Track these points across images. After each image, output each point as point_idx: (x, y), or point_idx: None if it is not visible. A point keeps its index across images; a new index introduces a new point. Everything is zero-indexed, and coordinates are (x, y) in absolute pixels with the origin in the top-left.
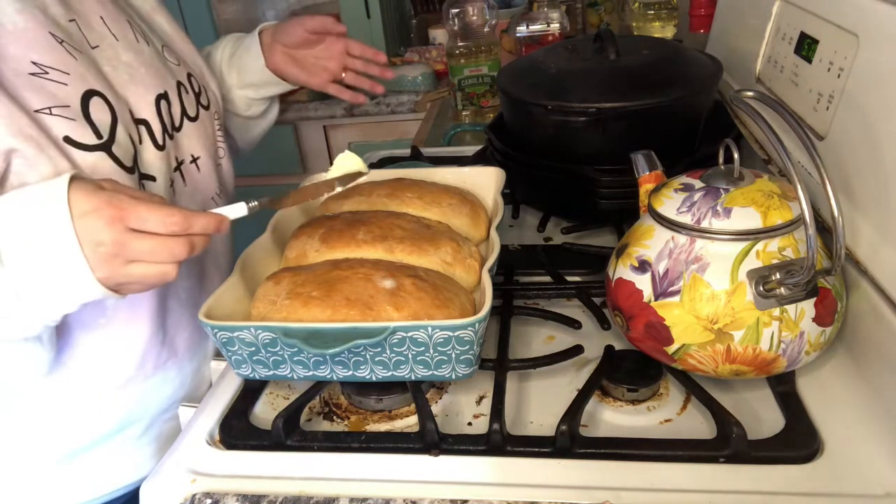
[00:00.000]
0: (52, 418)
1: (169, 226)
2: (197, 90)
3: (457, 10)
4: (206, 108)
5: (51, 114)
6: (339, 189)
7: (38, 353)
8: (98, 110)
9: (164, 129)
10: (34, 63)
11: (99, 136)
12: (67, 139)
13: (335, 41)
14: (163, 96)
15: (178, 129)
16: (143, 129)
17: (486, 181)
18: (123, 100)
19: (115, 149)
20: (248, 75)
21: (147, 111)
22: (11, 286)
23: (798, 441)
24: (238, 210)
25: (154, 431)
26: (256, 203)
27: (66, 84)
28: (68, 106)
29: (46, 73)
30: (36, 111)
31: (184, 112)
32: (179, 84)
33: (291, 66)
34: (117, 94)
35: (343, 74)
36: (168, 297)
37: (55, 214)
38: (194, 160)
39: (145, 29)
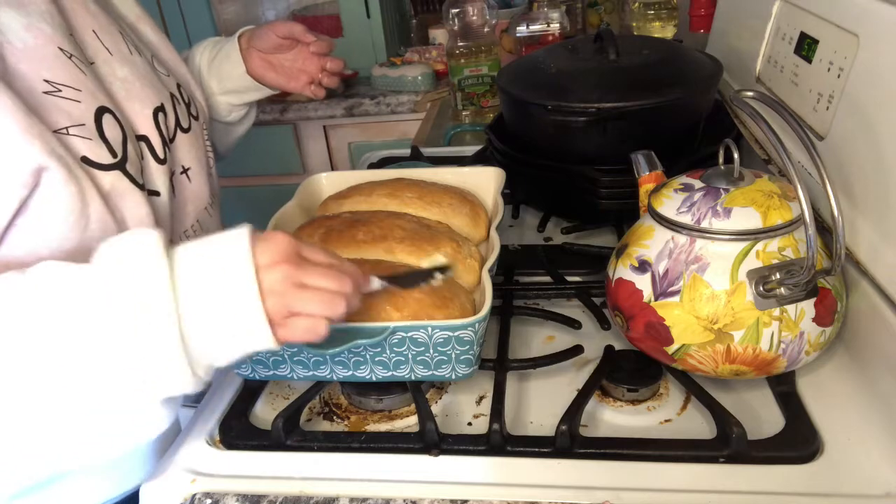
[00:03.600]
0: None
1: (331, 260)
2: (187, 101)
3: (457, 10)
4: (196, 118)
5: (68, 133)
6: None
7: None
8: (110, 127)
9: (164, 143)
10: (46, 81)
11: (114, 154)
12: (85, 159)
13: (305, 44)
14: (160, 109)
15: (172, 141)
16: (143, 144)
17: (486, 181)
18: (125, 116)
19: (128, 166)
20: (229, 82)
21: (146, 126)
22: (178, 329)
23: (798, 441)
24: (373, 283)
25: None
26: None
27: (79, 101)
28: (84, 125)
29: (59, 90)
30: (55, 131)
31: (178, 124)
32: (172, 96)
33: (270, 71)
34: (121, 110)
35: (321, 77)
36: None
37: (239, 264)
38: (185, 171)
39: (135, 39)
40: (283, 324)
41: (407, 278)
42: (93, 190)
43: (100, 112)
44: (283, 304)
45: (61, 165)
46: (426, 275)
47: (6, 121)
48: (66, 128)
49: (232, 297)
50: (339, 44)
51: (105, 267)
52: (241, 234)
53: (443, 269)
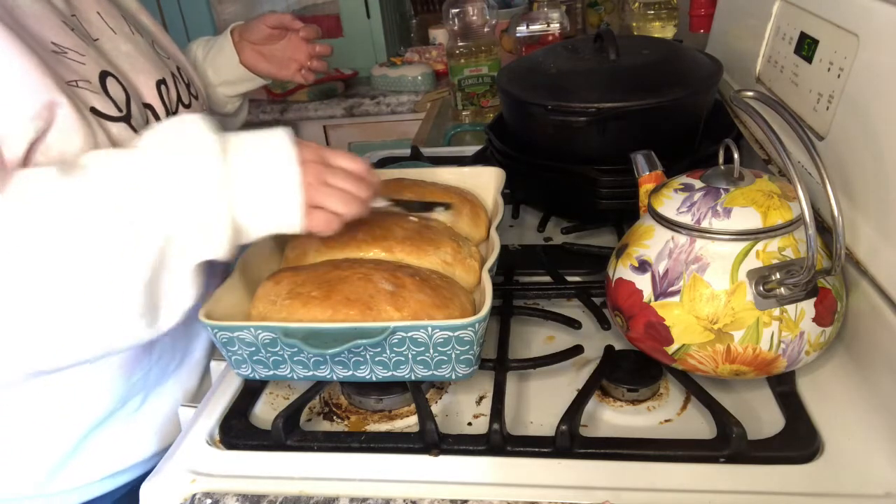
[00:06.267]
0: (55, 404)
1: (356, 165)
2: (186, 81)
3: (457, 10)
4: (196, 98)
5: (77, 86)
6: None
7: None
8: (114, 89)
9: (168, 112)
10: (53, 43)
11: (119, 109)
12: (94, 110)
13: (295, 33)
14: (162, 82)
15: (175, 114)
16: (149, 112)
17: (486, 181)
18: (131, 84)
19: (133, 122)
20: (223, 73)
21: (150, 96)
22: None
23: (798, 441)
24: (377, 201)
25: (149, 407)
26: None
27: (84, 63)
28: (90, 81)
29: (66, 53)
30: (66, 82)
31: (179, 99)
32: (173, 74)
33: (261, 61)
34: (126, 79)
35: (309, 62)
36: None
37: (283, 151)
38: None
39: (136, 23)
40: (307, 213)
41: (411, 204)
42: (103, 136)
43: (104, 75)
44: (311, 197)
45: (73, 106)
46: (428, 206)
47: (18, 58)
48: (76, 80)
49: (277, 177)
50: (339, 44)
51: (161, 140)
52: (283, 131)
53: (446, 205)
